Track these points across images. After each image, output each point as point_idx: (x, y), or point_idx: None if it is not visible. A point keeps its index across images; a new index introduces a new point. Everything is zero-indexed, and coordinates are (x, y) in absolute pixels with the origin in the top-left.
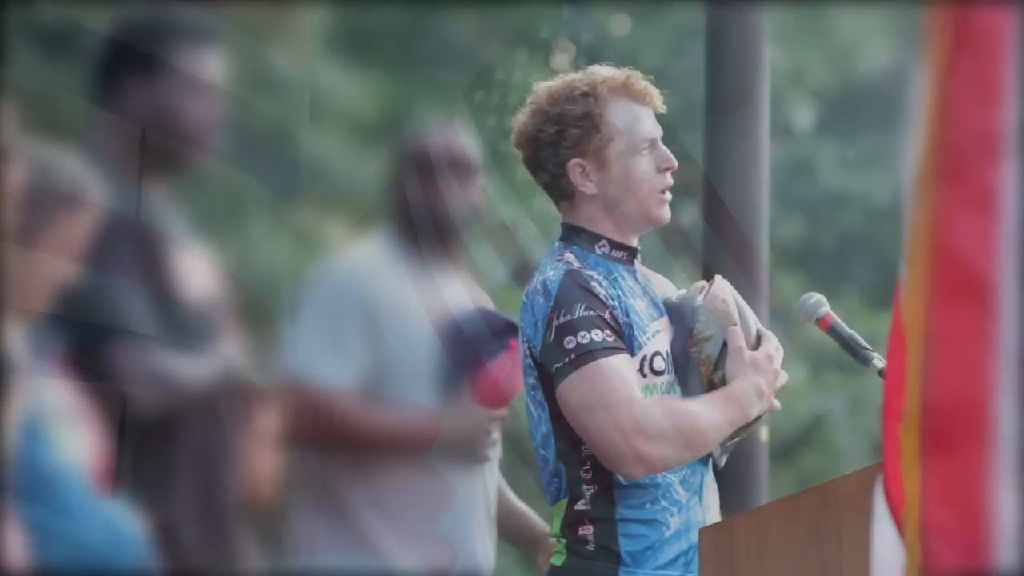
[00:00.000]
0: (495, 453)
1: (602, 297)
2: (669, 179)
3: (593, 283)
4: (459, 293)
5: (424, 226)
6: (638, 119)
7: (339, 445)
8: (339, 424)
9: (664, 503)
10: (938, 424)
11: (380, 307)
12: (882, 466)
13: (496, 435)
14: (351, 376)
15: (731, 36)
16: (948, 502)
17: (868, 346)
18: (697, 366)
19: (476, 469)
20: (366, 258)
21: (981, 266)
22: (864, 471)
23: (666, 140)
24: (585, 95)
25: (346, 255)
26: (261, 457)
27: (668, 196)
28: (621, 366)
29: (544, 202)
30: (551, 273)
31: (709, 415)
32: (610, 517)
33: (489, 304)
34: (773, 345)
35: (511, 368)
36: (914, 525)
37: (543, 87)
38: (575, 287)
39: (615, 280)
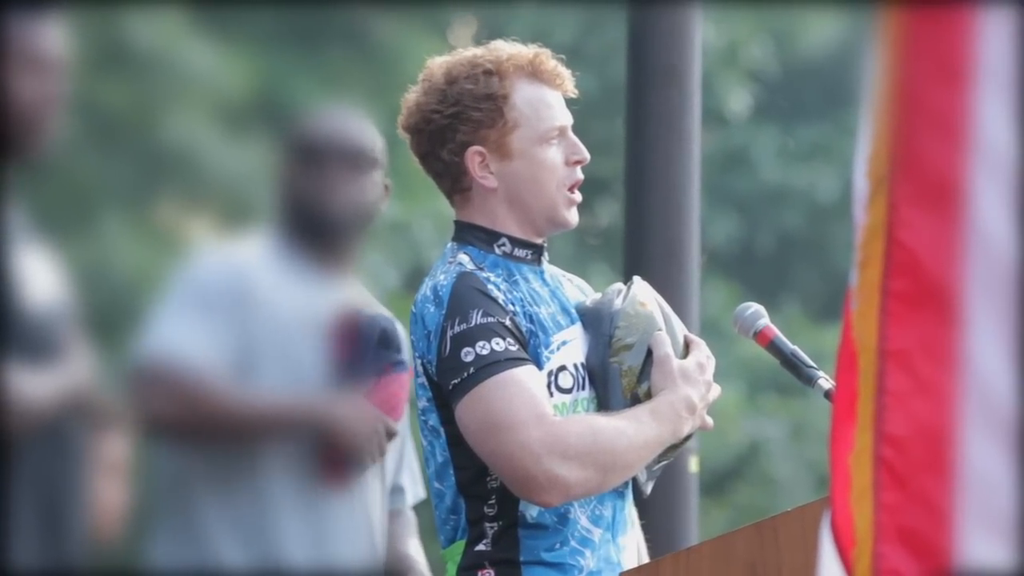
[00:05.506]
0: (382, 469)
1: (501, 302)
2: (579, 174)
3: (490, 286)
4: (352, 299)
5: (311, 226)
6: (547, 104)
7: (204, 429)
8: (204, 402)
9: (574, 543)
10: (894, 454)
11: (254, 302)
12: (829, 501)
13: (384, 444)
14: (218, 352)
15: (657, 8)
16: (905, 543)
17: (813, 364)
18: (618, 378)
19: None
20: (244, 256)
21: (941, 270)
22: (808, 507)
23: (578, 129)
24: (489, 73)
25: (222, 249)
26: (106, 485)
27: (577, 196)
28: (528, 379)
29: (440, 200)
30: (442, 277)
31: (633, 433)
32: (514, 560)
33: (380, 311)
34: (704, 353)
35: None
36: (865, 568)
37: (438, 63)
38: (470, 291)
39: (516, 283)
